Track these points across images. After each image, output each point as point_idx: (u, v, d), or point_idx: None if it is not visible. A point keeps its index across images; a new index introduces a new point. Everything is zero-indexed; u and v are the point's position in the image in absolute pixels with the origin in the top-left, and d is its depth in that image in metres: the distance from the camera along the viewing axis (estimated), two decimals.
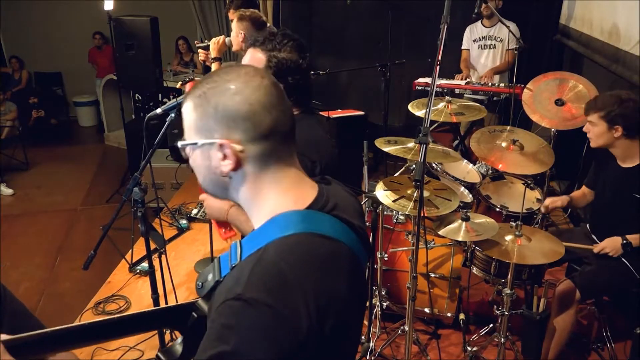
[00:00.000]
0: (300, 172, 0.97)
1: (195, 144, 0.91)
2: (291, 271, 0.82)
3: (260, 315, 0.77)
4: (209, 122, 0.88)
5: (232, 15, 3.21)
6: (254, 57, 1.57)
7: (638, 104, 2.34)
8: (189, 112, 0.91)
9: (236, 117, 0.87)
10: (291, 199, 0.92)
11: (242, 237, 1.00)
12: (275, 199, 0.92)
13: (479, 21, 4.52)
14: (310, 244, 0.88)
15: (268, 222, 0.90)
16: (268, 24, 3.41)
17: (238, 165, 0.89)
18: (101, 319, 0.90)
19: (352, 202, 1.04)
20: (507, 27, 3.98)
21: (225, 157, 0.89)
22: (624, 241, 2.40)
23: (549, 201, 2.75)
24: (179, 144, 0.93)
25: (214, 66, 2.94)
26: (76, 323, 0.92)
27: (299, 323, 0.78)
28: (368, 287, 1.07)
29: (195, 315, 0.93)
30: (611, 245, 2.44)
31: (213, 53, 2.95)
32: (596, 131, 2.43)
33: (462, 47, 4.63)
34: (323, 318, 0.82)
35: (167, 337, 2.54)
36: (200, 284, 0.92)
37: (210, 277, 0.91)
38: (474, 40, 4.56)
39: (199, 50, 3.11)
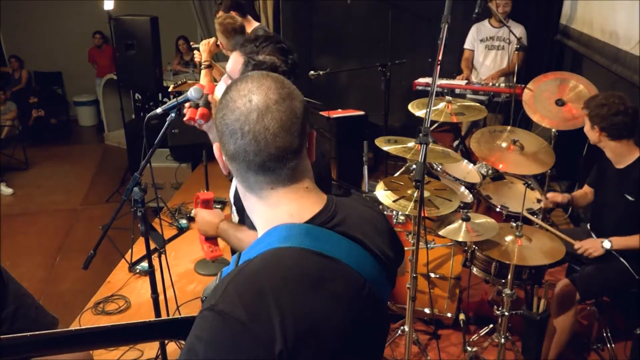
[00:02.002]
0: (298, 190, 0.87)
1: None
2: (271, 287, 0.76)
3: (230, 329, 0.73)
4: None
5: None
6: (237, 61, 1.53)
7: (616, 108, 2.37)
8: None
9: (217, 127, 0.86)
10: (285, 212, 0.86)
11: (232, 252, 0.98)
12: (266, 212, 0.88)
13: (487, 20, 4.44)
14: (300, 259, 0.81)
15: (264, 234, 0.86)
16: (251, 28, 3.38)
17: (227, 169, 0.89)
18: (105, 325, 0.89)
19: (369, 218, 0.94)
20: (508, 27, 3.96)
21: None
22: (604, 242, 2.44)
23: (550, 195, 2.83)
24: None
25: (203, 73, 2.88)
26: (82, 326, 0.92)
27: (271, 345, 0.73)
28: (382, 312, 0.93)
29: None
30: (592, 245, 2.48)
31: (204, 55, 2.92)
32: (585, 128, 2.54)
33: (465, 47, 4.53)
34: (301, 345, 0.74)
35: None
36: (205, 297, 0.90)
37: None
38: (481, 40, 4.46)
39: (195, 52, 3.09)
